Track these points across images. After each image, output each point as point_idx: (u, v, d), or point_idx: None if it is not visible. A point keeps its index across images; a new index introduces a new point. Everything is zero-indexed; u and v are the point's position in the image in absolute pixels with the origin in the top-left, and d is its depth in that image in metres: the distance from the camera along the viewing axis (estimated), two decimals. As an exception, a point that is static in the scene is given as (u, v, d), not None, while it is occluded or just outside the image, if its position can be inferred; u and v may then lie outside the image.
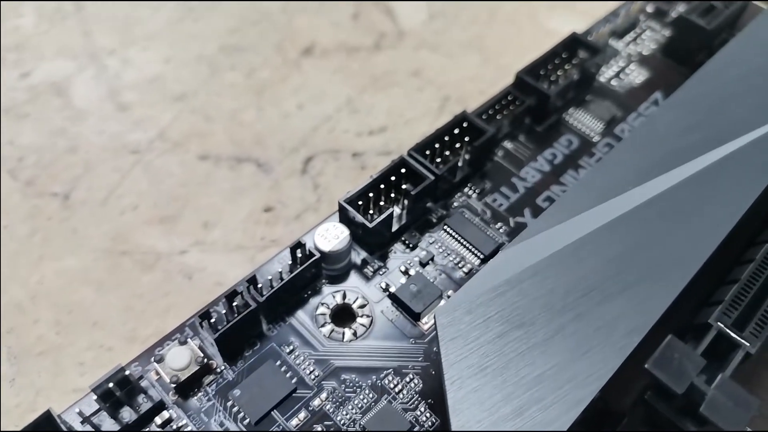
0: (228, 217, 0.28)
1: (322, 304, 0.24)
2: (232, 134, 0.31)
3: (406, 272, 0.25)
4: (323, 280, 0.25)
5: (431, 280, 0.25)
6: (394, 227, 0.26)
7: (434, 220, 0.27)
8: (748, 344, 0.21)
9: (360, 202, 0.25)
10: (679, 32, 0.33)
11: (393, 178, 0.26)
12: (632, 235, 0.22)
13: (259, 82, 0.34)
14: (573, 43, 0.31)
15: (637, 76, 0.33)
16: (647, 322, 0.20)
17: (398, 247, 0.26)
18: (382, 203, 0.26)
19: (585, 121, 0.31)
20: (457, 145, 0.27)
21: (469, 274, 0.25)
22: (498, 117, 0.29)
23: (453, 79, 0.34)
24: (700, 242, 0.22)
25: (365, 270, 0.25)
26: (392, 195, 0.26)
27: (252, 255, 0.27)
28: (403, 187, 0.26)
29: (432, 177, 0.25)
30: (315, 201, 0.29)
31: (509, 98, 0.29)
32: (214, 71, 0.34)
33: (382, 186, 0.25)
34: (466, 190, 0.28)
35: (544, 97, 0.29)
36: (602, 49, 0.31)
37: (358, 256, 0.26)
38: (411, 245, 0.26)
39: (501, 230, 0.27)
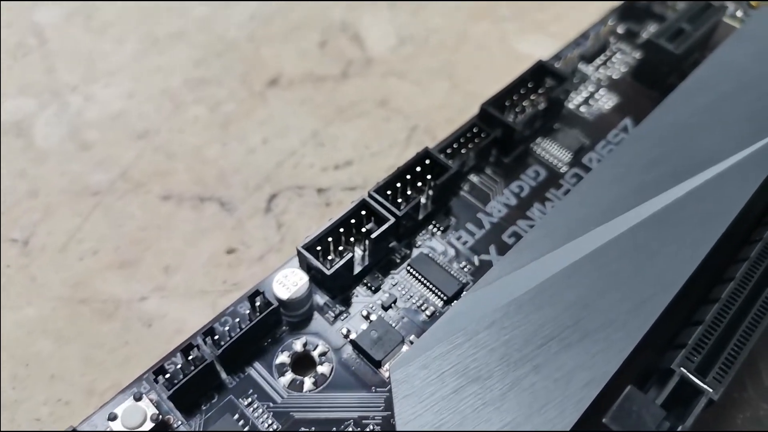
0: (189, 260, 0.28)
1: (282, 352, 0.24)
2: (195, 172, 0.31)
3: (367, 317, 0.25)
4: (284, 327, 0.25)
5: (393, 325, 0.24)
6: (357, 269, 0.26)
7: (398, 260, 0.26)
8: (711, 390, 0.21)
9: (319, 248, 0.25)
10: (649, 56, 0.33)
11: (353, 220, 0.25)
12: (593, 280, 0.22)
13: (224, 116, 0.33)
14: (539, 71, 0.31)
15: (606, 101, 0.33)
16: (606, 373, 0.20)
17: (360, 290, 0.26)
18: (342, 247, 0.25)
19: (553, 151, 0.30)
20: (420, 183, 0.27)
21: (432, 317, 0.25)
22: (463, 151, 0.29)
23: (421, 108, 0.34)
24: (662, 285, 0.22)
25: (327, 315, 0.25)
26: (353, 238, 0.26)
27: (213, 300, 0.27)
28: (363, 230, 0.25)
29: (393, 218, 0.25)
30: (278, 241, 0.29)
31: (474, 131, 0.29)
32: (177, 105, 0.34)
33: (341, 229, 0.25)
34: (430, 227, 0.27)
35: (509, 129, 0.29)
36: (569, 77, 0.30)
37: (321, 299, 0.25)
38: (373, 288, 0.25)
39: (465, 269, 0.26)
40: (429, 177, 0.27)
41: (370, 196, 0.26)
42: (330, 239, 0.25)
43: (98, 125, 0.33)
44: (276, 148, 0.32)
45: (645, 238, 0.23)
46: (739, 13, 0.40)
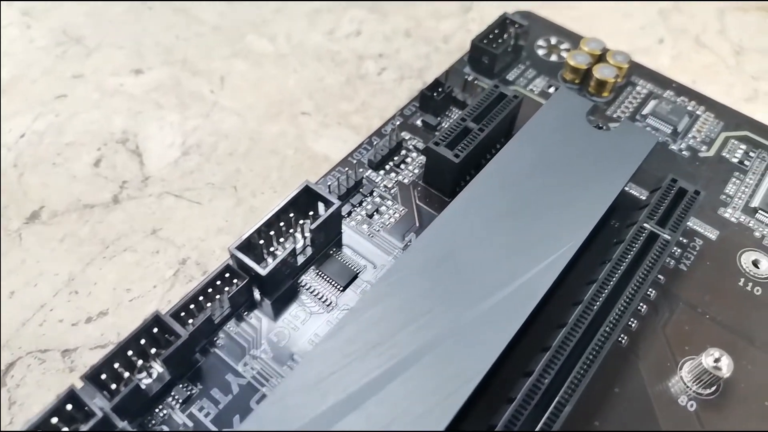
0: None
1: None
2: (-75, 344, 0.28)
3: None
4: None
5: None
6: (73, 468, 0.23)
7: (126, 447, 0.24)
8: None
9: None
10: (431, 163, 0.31)
11: (55, 419, 0.22)
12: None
13: (-30, 266, 0.30)
14: (306, 195, 0.28)
15: (393, 215, 0.31)
16: None
17: (74, 495, 0.23)
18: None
19: (321, 286, 0.28)
20: (142, 360, 0.24)
21: None
22: (208, 304, 0.26)
23: (196, 234, 0.32)
24: None
25: None
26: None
27: None
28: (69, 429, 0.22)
29: (100, 413, 0.22)
30: (7, 424, 0.26)
31: (226, 276, 0.27)
32: None
33: (40, 433, 0.22)
34: (169, 400, 0.25)
35: (259, 276, 0.26)
36: (335, 202, 0.28)
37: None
38: (89, 491, 0.23)
39: (203, 450, 0.24)
40: (153, 351, 0.24)
41: (81, 383, 0.23)
42: (28, 445, 0.22)
43: None
44: (23, 303, 0.29)
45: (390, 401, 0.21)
46: (551, 90, 0.38)
